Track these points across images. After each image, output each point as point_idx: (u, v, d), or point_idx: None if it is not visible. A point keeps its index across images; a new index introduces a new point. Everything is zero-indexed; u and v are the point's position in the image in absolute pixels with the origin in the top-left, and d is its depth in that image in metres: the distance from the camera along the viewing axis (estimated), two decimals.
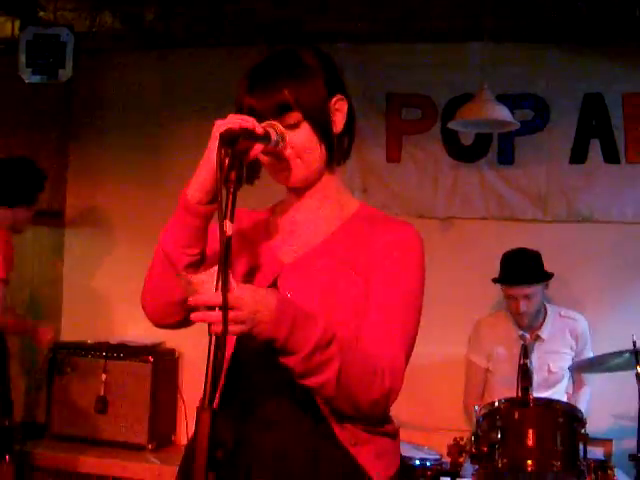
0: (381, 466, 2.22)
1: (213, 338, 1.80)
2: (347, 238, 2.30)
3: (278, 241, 2.36)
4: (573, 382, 5.45)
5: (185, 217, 2.17)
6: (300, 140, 2.21)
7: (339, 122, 2.31)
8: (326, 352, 1.99)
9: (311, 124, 2.22)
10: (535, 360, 4.94)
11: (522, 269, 5.26)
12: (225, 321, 1.80)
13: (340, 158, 2.38)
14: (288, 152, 2.20)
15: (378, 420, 2.23)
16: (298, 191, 2.35)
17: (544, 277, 5.28)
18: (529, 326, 5.30)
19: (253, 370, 2.17)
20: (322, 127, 2.24)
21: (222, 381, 2.19)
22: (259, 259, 2.32)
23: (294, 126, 2.20)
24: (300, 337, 1.96)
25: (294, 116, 2.20)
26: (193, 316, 1.89)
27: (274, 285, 2.24)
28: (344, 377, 2.02)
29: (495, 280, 5.34)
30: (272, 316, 1.91)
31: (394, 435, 2.32)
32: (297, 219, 2.37)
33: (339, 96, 2.31)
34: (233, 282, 1.86)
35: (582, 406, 4.85)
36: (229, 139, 1.95)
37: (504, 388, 5.00)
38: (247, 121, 2.03)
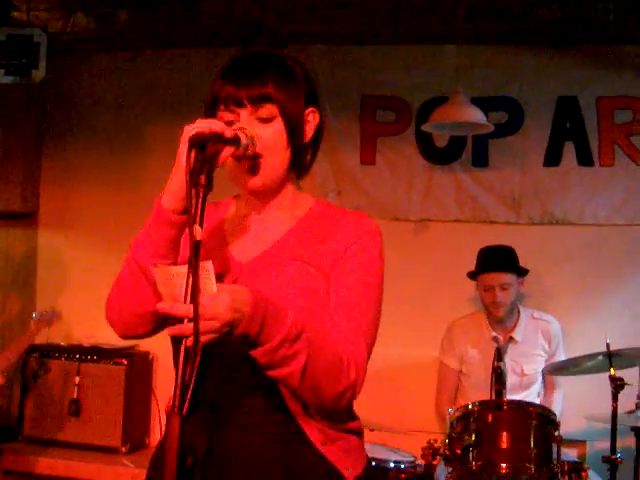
0: (350, 462, 2.25)
1: (182, 347, 1.79)
2: (304, 234, 2.31)
3: (234, 241, 2.35)
4: (544, 385, 5.46)
5: (159, 226, 2.13)
6: (270, 135, 2.20)
7: (308, 133, 2.32)
8: (293, 346, 1.99)
9: (285, 122, 2.21)
10: (508, 362, 4.95)
11: (499, 258, 5.32)
12: (196, 333, 1.79)
13: (300, 171, 2.38)
14: (255, 150, 2.18)
15: (343, 414, 2.26)
16: (256, 196, 2.34)
17: (519, 269, 5.30)
18: (502, 328, 5.32)
19: (221, 373, 2.15)
20: (294, 129, 2.24)
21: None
22: (217, 260, 2.26)
23: (268, 120, 2.20)
24: (269, 331, 1.95)
25: (271, 109, 2.20)
26: (169, 331, 1.88)
27: None
28: (311, 370, 2.03)
29: (471, 273, 5.36)
30: (246, 315, 1.90)
31: (360, 432, 2.36)
32: (253, 218, 2.37)
33: (313, 108, 2.32)
34: (213, 283, 1.85)
35: (555, 409, 4.87)
36: (198, 143, 1.94)
37: (477, 390, 5.01)
38: (216, 125, 2.03)
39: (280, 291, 2.18)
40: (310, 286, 2.21)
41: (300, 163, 2.35)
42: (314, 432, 2.20)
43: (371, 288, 2.26)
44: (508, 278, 5.27)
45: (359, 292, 2.22)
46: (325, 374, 2.07)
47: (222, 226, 2.41)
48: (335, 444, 2.23)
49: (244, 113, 2.19)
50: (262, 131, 2.19)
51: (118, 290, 2.26)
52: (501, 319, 5.32)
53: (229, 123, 2.18)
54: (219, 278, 2.20)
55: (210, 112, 2.25)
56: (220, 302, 1.86)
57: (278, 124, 2.21)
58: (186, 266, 1.87)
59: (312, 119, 2.32)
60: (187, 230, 1.90)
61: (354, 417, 2.34)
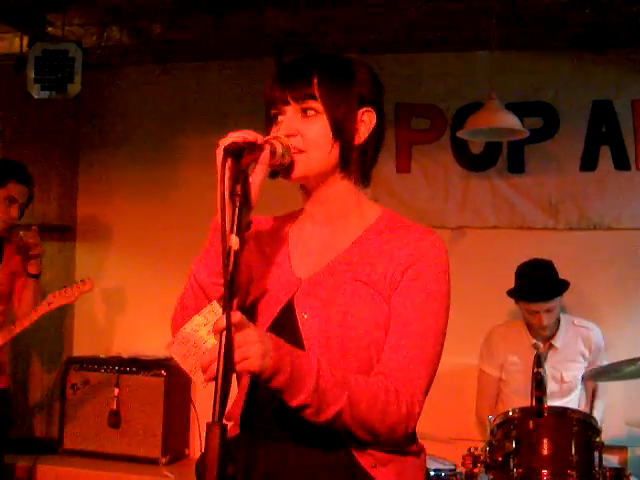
0: None
1: (220, 363, 1.76)
2: (366, 250, 2.23)
3: (295, 254, 2.31)
4: (586, 393, 5.42)
5: (217, 243, 2.02)
6: (312, 131, 2.17)
7: (362, 133, 2.25)
8: (326, 395, 1.96)
9: (329, 119, 2.17)
10: (548, 369, 4.92)
11: (541, 283, 5.20)
12: (229, 342, 1.78)
13: (361, 172, 2.31)
14: (295, 143, 2.15)
15: (400, 444, 2.17)
16: (311, 196, 2.30)
17: (563, 288, 5.23)
18: (542, 335, 5.28)
19: (271, 393, 2.03)
20: (339, 127, 2.19)
21: (241, 404, 2.20)
22: (276, 275, 2.28)
23: (312, 115, 2.18)
24: (296, 384, 1.93)
25: (315, 106, 2.17)
26: (206, 379, 1.85)
27: (290, 304, 2.21)
28: (351, 412, 2.00)
29: (514, 295, 5.30)
30: (274, 360, 1.88)
31: (417, 453, 2.27)
32: (315, 230, 2.32)
33: (369, 108, 2.26)
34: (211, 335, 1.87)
35: (596, 418, 4.85)
36: (233, 152, 1.93)
37: (517, 398, 4.98)
38: (250, 135, 2.01)
39: (334, 312, 2.14)
40: (369, 309, 2.15)
41: (354, 165, 2.28)
42: (364, 455, 2.13)
43: (431, 316, 2.18)
44: (552, 303, 5.18)
45: (419, 320, 2.14)
46: (370, 412, 2.03)
47: (286, 240, 2.37)
48: (386, 467, 2.15)
49: (289, 110, 2.18)
50: (305, 127, 2.17)
51: (182, 308, 2.23)
52: (545, 336, 5.27)
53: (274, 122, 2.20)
54: (277, 294, 2.23)
55: (269, 122, 2.24)
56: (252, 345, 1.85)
57: (322, 120, 2.17)
58: (200, 313, 1.92)
59: (367, 119, 2.26)
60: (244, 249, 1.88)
61: (413, 440, 2.25)
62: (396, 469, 2.16)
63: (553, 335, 5.31)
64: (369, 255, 2.22)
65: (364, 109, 2.25)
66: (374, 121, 2.27)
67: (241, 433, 2.24)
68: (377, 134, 2.29)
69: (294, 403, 1.94)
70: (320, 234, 2.31)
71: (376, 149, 2.32)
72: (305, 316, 2.17)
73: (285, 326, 2.16)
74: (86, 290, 5.24)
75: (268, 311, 2.22)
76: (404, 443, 2.18)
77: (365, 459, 2.13)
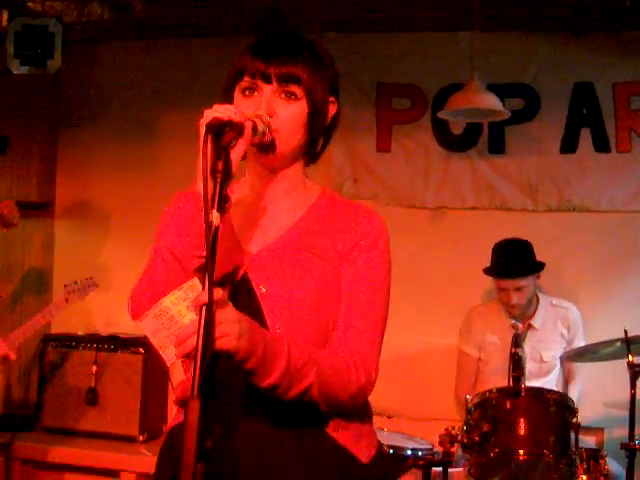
0: (363, 446, 2.30)
1: (200, 337, 1.77)
2: (313, 224, 2.32)
3: (243, 230, 2.33)
4: (562, 374, 5.45)
5: (197, 216, 1.98)
6: (290, 114, 2.21)
7: (327, 121, 2.35)
8: (296, 375, 2.06)
9: (309, 105, 2.23)
10: (527, 349, 4.95)
11: (513, 261, 5.26)
12: (210, 314, 1.79)
13: (310, 158, 2.40)
14: (272, 135, 2.18)
15: (358, 411, 2.31)
16: (267, 174, 2.33)
17: (535, 268, 5.28)
18: (521, 315, 5.30)
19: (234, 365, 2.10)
20: (316, 113, 2.26)
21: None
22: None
23: (293, 99, 2.22)
24: (269, 365, 2.01)
25: (297, 90, 2.21)
26: (178, 354, 1.90)
27: (244, 279, 2.24)
28: (319, 387, 2.11)
29: (486, 272, 5.35)
30: (245, 347, 1.93)
31: (370, 416, 2.41)
32: (263, 206, 2.35)
33: (333, 98, 2.34)
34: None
35: (575, 394, 4.89)
36: (215, 129, 1.94)
37: (496, 378, 5.00)
38: (234, 111, 2.02)
39: (292, 284, 2.21)
40: (321, 279, 2.24)
41: (312, 150, 2.37)
42: (327, 422, 2.25)
43: (379, 289, 2.31)
44: (522, 282, 5.24)
45: (367, 293, 2.27)
46: (335, 384, 2.15)
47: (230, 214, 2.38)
48: (347, 430, 2.27)
49: (268, 89, 2.20)
50: (283, 108, 2.20)
51: (149, 283, 2.20)
52: (518, 315, 5.30)
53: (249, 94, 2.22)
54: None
55: (230, 86, 2.26)
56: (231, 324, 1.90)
57: (302, 105, 2.22)
58: (180, 287, 1.93)
59: (331, 109, 2.34)
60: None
61: (367, 405, 2.39)
62: (356, 431, 2.30)
63: (532, 315, 5.35)
64: (316, 229, 2.31)
65: (331, 98, 2.34)
66: (335, 109, 2.37)
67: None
68: (334, 122, 2.39)
69: (264, 384, 2.02)
70: (267, 210, 2.35)
71: (329, 134, 2.41)
72: (263, 290, 2.22)
73: (241, 300, 2.18)
74: (94, 288, 5.52)
75: (221, 284, 2.22)
76: (361, 409, 2.32)
77: (329, 426, 2.24)
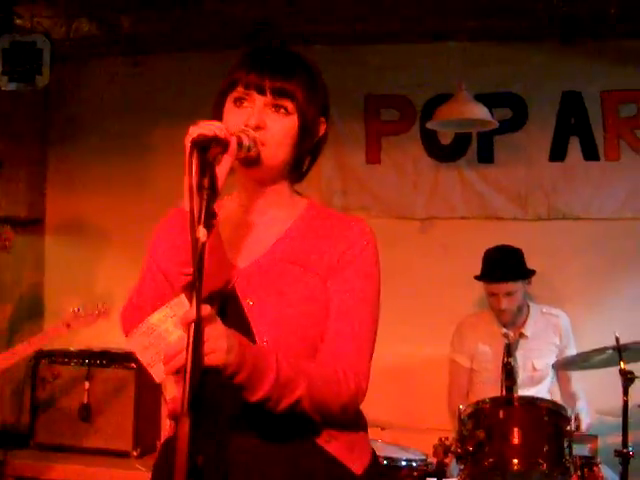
0: (356, 457, 2.28)
1: (189, 352, 1.77)
2: (299, 237, 2.32)
3: (230, 244, 2.32)
4: (559, 384, 5.46)
5: (184, 233, 1.98)
6: (281, 129, 2.21)
7: (315, 140, 2.35)
8: (285, 387, 2.04)
9: (300, 121, 2.23)
10: (519, 358, 4.96)
11: (503, 266, 5.28)
12: (198, 331, 1.79)
13: (297, 177, 2.40)
14: (258, 151, 2.18)
15: (350, 420, 2.29)
16: (254, 188, 2.33)
17: (525, 274, 5.29)
18: (512, 324, 5.31)
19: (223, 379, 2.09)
20: (306, 131, 2.26)
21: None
22: None
23: (284, 113, 2.22)
24: (258, 377, 2.00)
25: (290, 105, 2.22)
26: (166, 371, 1.89)
27: (232, 293, 2.24)
28: (309, 398, 2.10)
29: (477, 277, 5.36)
30: (234, 362, 1.93)
31: (363, 427, 2.39)
32: (249, 220, 2.36)
33: (322, 119, 2.35)
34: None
35: (585, 420, 5.02)
36: (200, 145, 1.95)
37: (488, 387, 5.00)
38: (219, 128, 2.02)
39: (279, 297, 2.21)
40: (308, 291, 2.23)
41: (299, 168, 2.37)
42: (319, 433, 2.23)
43: (367, 298, 2.29)
44: (512, 286, 5.25)
45: (355, 303, 2.25)
46: (325, 394, 2.14)
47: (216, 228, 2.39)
48: (339, 440, 2.25)
49: (261, 100, 2.20)
50: (274, 121, 2.21)
51: (139, 301, 2.22)
52: (508, 322, 5.32)
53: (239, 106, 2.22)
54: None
55: (222, 98, 2.27)
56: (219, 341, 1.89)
57: (292, 121, 2.22)
58: (167, 305, 1.92)
59: (320, 129, 2.35)
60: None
61: (359, 414, 2.37)
62: (348, 442, 2.28)
63: (523, 323, 5.36)
64: (303, 241, 2.31)
65: (322, 118, 2.34)
66: (323, 131, 2.37)
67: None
68: (322, 143, 2.39)
69: (254, 398, 2.01)
70: (253, 224, 2.35)
71: (316, 154, 2.41)
72: (250, 303, 2.22)
73: (230, 314, 2.19)
74: (103, 316, 5.20)
75: (209, 301, 2.22)
76: (353, 418, 2.30)
77: (320, 437, 2.23)
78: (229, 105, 2.25)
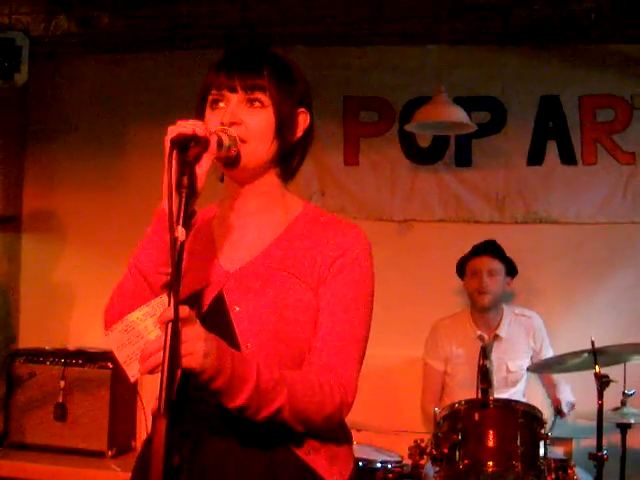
0: (335, 470, 2.25)
1: (166, 354, 1.76)
2: (292, 242, 2.29)
3: (222, 248, 2.32)
4: (545, 384, 5.50)
5: (163, 233, 2.04)
6: (257, 122, 2.20)
7: (297, 132, 2.32)
8: (264, 396, 2.01)
9: (275, 113, 2.21)
10: (494, 360, 4.98)
11: (488, 245, 5.44)
12: (175, 331, 1.78)
13: (287, 174, 2.38)
14: (238, 149, 2.17)
15: (332, 431, 2.26)
16: (242, 189, 2.31)
17: (509, 260, 5.42)
18: (487, 326, 5.34)
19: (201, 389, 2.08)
20: (283, 122, 2.24)
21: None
22: (203, 269, 2.29)
23: (258, 106, 2.21)
24: (235, 390, 1.97)
25: (263, 98, 2.20)
26: (142, 369, 1.88)
27: (220, 297, 2.23)
28: (290, 408, 2.06)
29: (461, 260, 5.49)
30: (212, 367, 1.91)
31: (347, 439, 2.36)
32: (241, 224, 2.34)
33: (304, 109, 2.33)
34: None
35: (570, 397, 5.14)
36: (180, 144, 1.95)
37: (462, 390, 5.01)
38: (198, 126, 2.02)
39: (266, 304, 2.18)
40: (297, 299, 2.20)
41: (287, 163, 2.34)
42: (298, 444, 2.20)
43: (358, 307, 2.25)
44: (496, 264, 5.38)
45: (345, 312, 2.21)
46: (308, 405, 2.10)
47: (209, 232, 2.39)
48: (319, 453, 2.23)
49: (234, 98, 2.20)
50: (250, 117, 2.20)
51: (120, 298, 2.23)
52: (486, 309, 5.37)
53: (216, 108, 2.22)
54: (206, 288, 2.24)
55: (201, 104, 2.26)
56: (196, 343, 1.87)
57: (268, 114, 2.21)
58: (148, 303, 1.93)
59: (302, 120, 2.33)
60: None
61: (342, 426, 2.34)
62: (329, 454, 2.25)
63: (497, 325, 5.39)
64: (295, 248, 2.27)
65: (301, 109, 2.32)
66: (307, 122, 2.35)
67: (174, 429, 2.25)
68: (308, 135, 2.37)
69: (232, 405, 1.99)
70: (245, 227, 2.34)
71: (305, 149, 2.39)
72: (237, 309, 2.20)
73: (216, 319, 2.18)
74: None
75: (199, 304, 2.23)
76: (336, 430, 2.27)
77: (300, 448, 2.20)
78: (207, 110, 2.25)
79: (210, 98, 2.24)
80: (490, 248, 5.43)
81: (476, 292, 5.37)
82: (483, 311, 5.40)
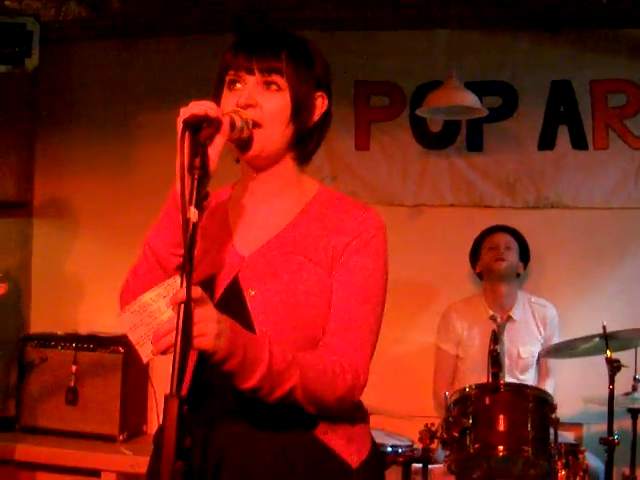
0: (353, 449, 2.26)
1: (178, 335, 1.77)
2: (307, 225, 2.28)
3: (237, 231, 2.32)
4: (538, 372, 5.48)
5: (175, 214, 2.05)
6: (273, 106, 2.19)
7: (315, 116, 2.31)
8: (278, 377, 2.02)
9: (291, 97, 2.20)
10: (506, 342, 5.01)
11: (504, 225, 5.56)
12: (187, 312, 1.78)
13: (303, 157, 2.36)
14: (250, 132, 2.17)
15: (347, 411, 2.26)
16: (258, 173, 2.31)
17: (523, 241, 5.50)
18: (500, 308, 5.35)
19: (220, 373, 2.06)
20: (299, 106, 2.23)
21: (189, 376, 2.20)
22: (218, 252, 2.29)
23: (275, 89, 2.20)
24: (247, 371, 1.97)
25: (279, 81, 2.19)
26: (154, 350, 1.88)
27: (235, 281, 2.23)
28: (303, 389, 2.07)
29: (476, 240, 5.57)
30: (224, 348, 1.91)
31: (363, 418, 2.37)
32: (256, 207, 2.34)
33: (322, 93, 2.32)
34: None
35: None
36: (192, 125, 1.94)
37: (474, 374, 5.02)
38: (210, 107, 2.01)
39: (281, 288, 2.19)
40: (312, 283, 2.20)
41: (303, 147, 2.32)
42: (315, 424, 2.21)
43: (371, 291, 2.25)
44: (511, 241, 5.50)
45: (359, 296, 2.22)
46: (320, 386, 2.11)
47: (224, 215, 2.38)
48: (336, 432, 2.24)
49: (252, 80, 2.19)
50: (266, 100, 2.19)
51: (134, 280, 2.24)
52: (502, 276, 5.43)
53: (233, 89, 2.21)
54: (221, 272, 2.24)
55: (219, 84, 2.26)
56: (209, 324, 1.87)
57: (284, 97, 2.20)
58: (161, 284, 1.94)
59: (320, 104, 2.31)
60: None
61: (359, 405, 2.35)
62: (346, 434, 2.26)
63: (510, 307, 5.39)
64: (310, 231, 2.27)
65: (319, 93, 2.30)
66: (325, 106, 2.33)
67: (191, 411, 2.25)
68: (325, 119, 2.36)
69: (245, 386, 1.99)
70: (260, 210, 2.33)
71: (321, 133, 2.38)
72: (252, 293, 2.20)
73: (231, 303, 2.19)
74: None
75: (213, 288, 2.23)
76: (349, 411, 2.27)
77: (317, 429, 2.21)
78: (225, 89, 2.24)
79: (228, 78, 2.23)
80: (506, 227, 5.54)
81: (492, 260, 5.42)
82: (498, 280, 5.44)
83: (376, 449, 2.39)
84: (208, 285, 2.18)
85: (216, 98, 2.24)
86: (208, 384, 2.20)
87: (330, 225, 2.26)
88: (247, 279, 2.22)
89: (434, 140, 6.06)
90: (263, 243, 2.27)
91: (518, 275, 5.54)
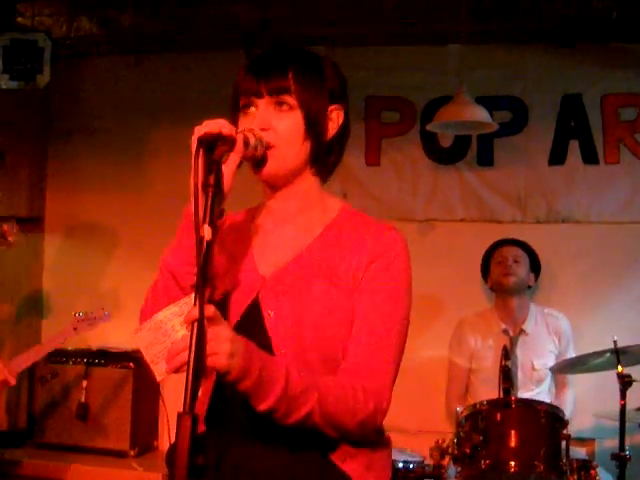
0: (372, 476, 2.22)
1: (191, 353, 1.76)
2: (328, 246, 2.25)
3: (258, 251, 2.31)
4: (555, 384, 5.46)
5: (189, 232, 1.99)
6: (285, 125, 2.18)
7: (331, 130, 2.28)
8: (293, 401, 2.00)
9: (304, 115, 2.19)
10: (519, 356, 5.01)
11: (512, 239, 5.55)
12: (201, 330, 1.78)
13: (326, 168, 2.33)
14: (265, 150, 2.15)
15: (368, 437, 2.21)
16: (277, 192, 2.29)
17: (532, 252, 5.47)
18: (512, 321, 5.34)
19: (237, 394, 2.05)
20: (313, 123, 2.21)
21: (208, 395, 2.19)
22: (239, 272, 2.27)
23: (286, 109, 2.18)
24: (263, 392, 1.96)
25: (289, 101, 2.18)
26: (168, 369, 1.88)
27: (255, 302, 2.22)
28: (321, 413, 2.04)
29: (485, 253, 5.57)
30: (238, 368, 1.90)
31: (384, 445, 2.32)
32: (277, 226, 2.32)
33: (338, 106, 2.29)
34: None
35: (567, 409, 4.87)
36: (206, 143, 1.94)
37: (486, 388, 5.02)
38: (224, 125, 2.00)
39: (300, 309, 2.17)
40: (331, 305, 2.17)
41: (323, 162, 2.30)
42: (333, 450, 2.18)
43: (394, 313, 2.21)
44: (521, 253, 5.46)
45: (381, 319, 2.18)
46: (338, 411, 2.07)
47: (247, 235, 2.36)
48: (355, 460, 2.19)
49: (262, 103, 2.18)
50: (278, 120, 2.17)
51: (153, 298, 2.22)
52: (510, 290, 5.41)
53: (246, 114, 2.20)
54: (241, 293, 2.22)
55: (235, 107, 2.24)
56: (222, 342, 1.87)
57: (296, 116, 2.18)
58: (177, 303, 1.92)
59: (336, 117, 2.28)
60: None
61: (380, 432, 2.30)
62: (365, 461, 2.21)
63: (523, 320, 5.37)
64: (332, 251, 2.24)
65: (334, 106, 2.28)
66: (342, 118, 2.30)
67: (208, 430, 2.24)
68: (344, 131, 2.32)
69: (261, 408, 1.98)
70: (282, 230, 2.31)
71: (341, 146, 2.35)
72: (271, 314, 2.19)
73: (250, 324, 2.18)
74: (103, 320, 5.23)
75: (234, 309, 2.22)
76: (372, 436, 2.22)
77: (335, 454, 2.17)
78: (240, 113, 2.23)
79: (241, 102, 2.22)
80: (514, 240, 5.53)
81: (501, 275, 5.41)
82: (508, 294, 5.42)
83: (396, 476, 2.36)
84: (229, 304, 2.19)
85: (232, 119, 2.22)
86: (227, 404, 2.19)
87: (352, 246, 2.23)
88: (267, 299, 2.21)
89: (445, 155, 6.06)
90: (284, 264, 2.26)
91: (529, 287, 5.53)
